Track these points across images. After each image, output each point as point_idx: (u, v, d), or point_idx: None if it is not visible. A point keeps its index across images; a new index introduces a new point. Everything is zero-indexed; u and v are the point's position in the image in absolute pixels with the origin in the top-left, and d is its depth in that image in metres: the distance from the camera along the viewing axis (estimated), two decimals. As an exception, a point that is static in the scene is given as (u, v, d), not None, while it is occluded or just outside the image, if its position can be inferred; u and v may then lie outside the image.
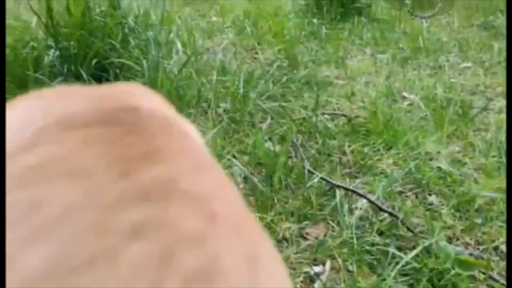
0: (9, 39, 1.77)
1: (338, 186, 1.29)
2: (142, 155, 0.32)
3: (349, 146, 1.59)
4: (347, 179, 1.39)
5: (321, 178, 1.32)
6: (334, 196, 1.29)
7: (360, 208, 1.26)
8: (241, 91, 1.83)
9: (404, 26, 2.93)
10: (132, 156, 0.32)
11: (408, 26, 2.93)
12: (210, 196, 0.32)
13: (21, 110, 0.42)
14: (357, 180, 1.40)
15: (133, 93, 0.50)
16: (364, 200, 1.31)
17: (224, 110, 1.71)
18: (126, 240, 0.26)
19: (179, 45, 1.87)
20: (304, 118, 1.72)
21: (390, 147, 1.61)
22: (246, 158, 1.47)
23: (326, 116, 1.76)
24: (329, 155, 1.56)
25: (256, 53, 2.44)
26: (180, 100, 1.63)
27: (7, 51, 1.67)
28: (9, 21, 2.34)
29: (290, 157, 1.48)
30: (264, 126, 1.67)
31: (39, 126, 0.36)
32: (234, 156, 1.46)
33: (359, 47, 2.61)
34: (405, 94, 2.07)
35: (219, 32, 2.66)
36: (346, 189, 1.29)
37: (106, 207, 0.27)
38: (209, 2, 3.29)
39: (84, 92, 0.47)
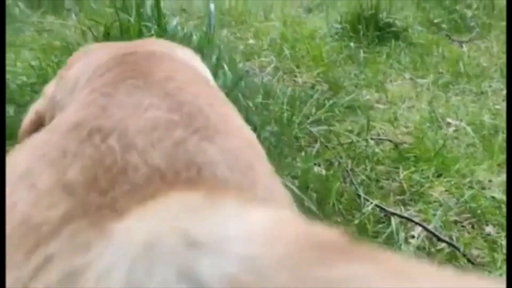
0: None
1: (394, 214, 1.27)
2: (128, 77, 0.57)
3: (398, 172, 1.57)
4: (401, 207, 1.37)
5: (376, 205, 1.30)
6: (389, 224, 1.27)
7: (417, 237, 1.24)
8: (285, 114, 1.84)
9: (442, 51, 2.91)
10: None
11: (446, 51, 2.90)
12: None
13: (75, 67, 0.70)
14: (410, 208, 1.38)
15: (147, 42, 0.78)
16: (419, 229, 1.28)
17: (271, 133, 1.71)
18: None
19: (226, 67, 1.89)
20: (351, 143, 1.71)
21: (440, 174, 1.58)
22: (295, 182, 1.46)
23: (372, 141, 1.75)
24: (378, 180, 1.54)
25: (295, 76, 2.46)
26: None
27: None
28: (55, 42, 2.43)
29: (340, 182, 1.47)
30: (311, 150, 1.67)
31: (85, 76, 0.63)
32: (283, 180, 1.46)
33: (398, 71, 2.59)
34: (449, 120, 2.04)
35: (257, 55, 2.69)
36: (401, 217, 1.27)
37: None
38: (245, 24, 3.34)
39: (115, 46, 0.75)
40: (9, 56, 2.07)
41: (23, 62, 2.01)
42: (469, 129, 1.87)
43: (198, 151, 0.43)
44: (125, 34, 1.79)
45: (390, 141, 1.76)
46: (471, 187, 1.46)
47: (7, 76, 1.82)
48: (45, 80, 1.76)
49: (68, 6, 3.13)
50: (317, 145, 1.65)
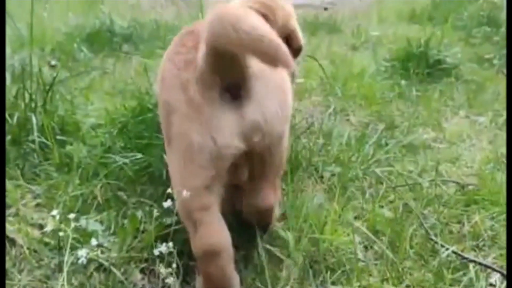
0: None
1: (473, 261, 1.23)
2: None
3: (468, 215, 1.53)
4: (477, 253, 1.33)
5: (453, 252, 1.27)
6: (466, 271, 1.23)
7: (497, 285, 1.20)
8: (345, 155, 1.85)
9: (496, 87, 2.87)
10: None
11: (501, 87, 2.86)
12: None
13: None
14: (485, 254, 1.34)
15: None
16: (497, 275, 1.24)
17: (333, 175, 1.72)
18: None
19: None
20: (415, 184, 1.69)
21: (513, 218, 1.53)
22: (364, 224, 1.45)
23: (436, 182, 1.72)
24: (447, 224, 1.51)
25: (347, 114, 2.47)
26: (291, 164, 1.66)
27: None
28: (118, 84, 2.56)
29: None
30: (373, 191, 1.66)
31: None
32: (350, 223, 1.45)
33: (453, 109, 2.56)
34: (513, 160, 1.99)
35: (308, 94, 2.73)
36: (481, 264, 1.23)
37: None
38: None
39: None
40: (79, 98, 2.20)
41: (92, 105, 2.13)
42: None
43: None
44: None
45: (457, 182, 1.73)
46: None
47: (79, 117, 1.92)
48: (114, 123, 1.86)
49: (126, 49, 3.31)
50: (383, 187, 1.64)
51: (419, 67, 2.95)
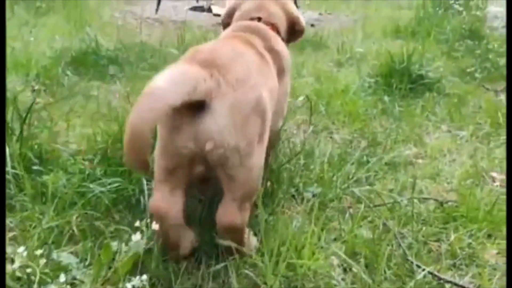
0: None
1: (449, 282, 1.24)
2: None
3: (447, 233, 1.54)
4: (454, 272, 1.33)
5: (429, 272, 1.27)
6: (443, 292, 1.24)
7: (473, 306, 1.20)
8: (326, 175, 1.85)
9: (478, 100, 2.90)
10: None
11: (482, 100, 2.89)
12: None
13: None
14: (463, 273, 1.34)
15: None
16: (475, 295, 1.24)
17: (313, 195, 1.72)
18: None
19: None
20: (394, 203, 1.70)
21: (491, 235, 1.54)
22: (342, 247, 1.45)
23: (415, 200, 1.73)
24: (426, 243, 1.51)
25: (331, 132, 2.49)
26: (272, 185, 1.67)
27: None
28: (102, 108, 2.57)
29: (387, 246, 1.45)
30: (353, 211, 1.66)
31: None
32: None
33: (435, 124, 2.59)
34: (493, 174, 2.01)
35: (293, 113, 2.75)
36: (457, 285, 1.23)
37: None
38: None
39: None
40: (61, 124, 2.20)
41: (73, 131, 2.13)
42: (516, 184, 1.82)
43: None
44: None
45: (436, 199, 1.74)
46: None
47: (59, 145, 1.92)
48: (94, 149, 1.86)
49: (111, 71, 3.32)
50: (361, 206, 1.64)
51: (402, 82, 2.99)
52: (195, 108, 1.15)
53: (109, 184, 1.50)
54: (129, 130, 1.07)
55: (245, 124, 1.19)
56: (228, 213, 1.24)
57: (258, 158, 1.26)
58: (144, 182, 1.54)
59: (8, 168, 1.51)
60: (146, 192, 1.48)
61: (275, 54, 1.50)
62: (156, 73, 1.12)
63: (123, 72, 3.32)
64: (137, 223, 0.97)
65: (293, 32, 1.73)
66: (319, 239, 1.46)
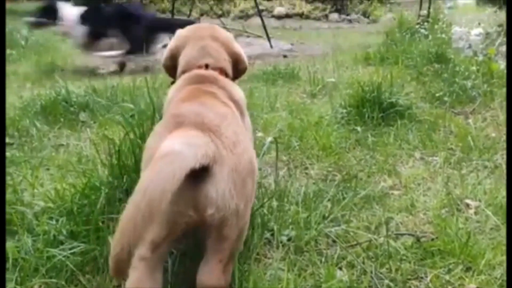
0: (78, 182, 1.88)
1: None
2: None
3: (425, 270, 1.51)
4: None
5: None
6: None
7: None
8: (301, 215, 1.82)
9: (448, 125, 2.94)
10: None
11: (453, 124, 2.93)
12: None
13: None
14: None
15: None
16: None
17: (289, 239, 1.69)
18: None
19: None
20: (370, 241, 1.67)
21: (469, 268, 1.52)
22: (320, 294, 1.41)
23: (392, 236, 1.71)
24: (404, 282, 1.48)
25: (306, 168, 2.48)
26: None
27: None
28: (72, 158, 2.52)
29: (365, 289, 1.42)
30: (331, 252, 1.63)
31: None
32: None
33: (408, 151, 2.60)
34: (468, 201, 2.01)
35: (265, 152, 2.73)
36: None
37: None
38: (252, 118, 3.43)
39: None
40: (27, 180, 2.14)
41: (41, 187, 2.06)
42: (489, 211, 1.83)
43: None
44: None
45: (412, 234, 1.72)
46: (502, 284, 1.39)
47: (24, 207, 1.85)
48: (61, 206, 1.79)
49: (83, 118, 3.28)
50: (337, 248, 1.61)
51: (373, 111, 3.02)
52: (192, 174, 1.08)
53: (74, 247, 1.44)
54: (146, 200, 0.97)
55: (243, 186, 1.19)
56: (214, 275, 1.19)
57: (248, 216, 1.27)
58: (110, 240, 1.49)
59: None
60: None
61: (236, 103, 1.49)
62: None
63: (95, 117, 3.28)
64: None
65: (237, 70, 1.71)
66: (295, 287, 1.42)
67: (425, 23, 6.06)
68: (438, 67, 4.12)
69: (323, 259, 1.59)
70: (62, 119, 3.20)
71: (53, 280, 1.37)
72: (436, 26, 5.85)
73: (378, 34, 7.16)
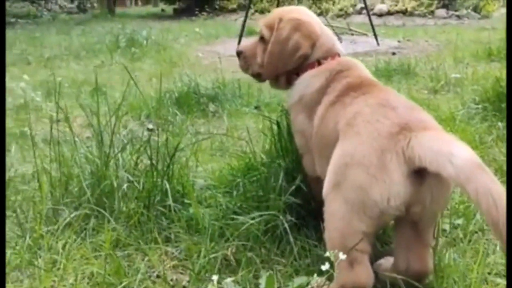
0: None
1: None
2: None
3: None
4: None
5: None
6: None
7: None
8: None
9: None
10: None
11: None
12: None
13: None
14: None
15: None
16: None
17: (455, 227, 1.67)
18: None
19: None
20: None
21: None
22: None
23: None
24: None
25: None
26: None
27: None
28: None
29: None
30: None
31: None
32: None
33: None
34: None
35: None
36: None
37: None
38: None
39: None
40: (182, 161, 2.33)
41: (199, 166, 2.23)
42: None
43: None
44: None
45: None
46: None
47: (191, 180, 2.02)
48: (223, 182, 1.93)
49: (212, 109, 3.49)
50: None
51: (513, 107, 2.84)
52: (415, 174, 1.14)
53: (259, 216, 1.55)
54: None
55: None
56: (424, 259, 1.26)
57: None
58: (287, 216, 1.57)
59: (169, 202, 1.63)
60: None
61: None
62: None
63: (223, 108, 3.47)
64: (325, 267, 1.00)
65: None
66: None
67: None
68: None
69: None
70: (194, 109, 3.44)
71: (243, 242, 1.49)
72: None
73: (493, 30, 6.73)
